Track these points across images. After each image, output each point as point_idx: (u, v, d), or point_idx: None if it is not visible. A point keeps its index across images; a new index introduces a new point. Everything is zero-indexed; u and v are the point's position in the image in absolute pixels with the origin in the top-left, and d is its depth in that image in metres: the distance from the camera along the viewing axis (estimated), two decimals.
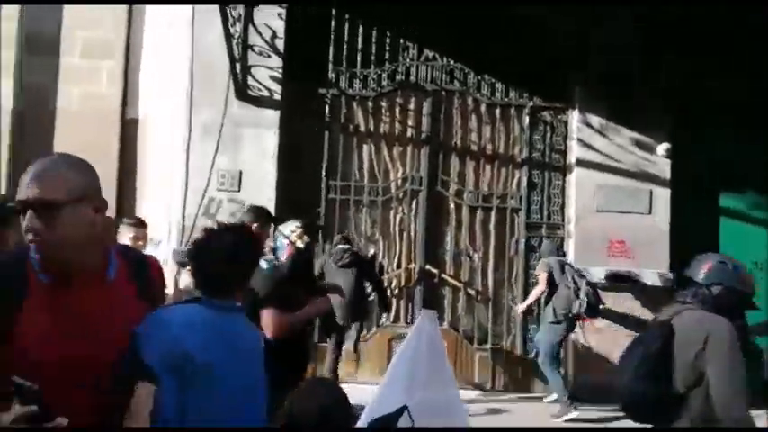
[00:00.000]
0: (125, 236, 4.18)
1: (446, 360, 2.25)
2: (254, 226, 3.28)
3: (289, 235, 3.22)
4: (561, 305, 5.36)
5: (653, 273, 6.04)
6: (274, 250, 3.25)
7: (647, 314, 6.02)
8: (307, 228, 3.44)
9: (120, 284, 1.61)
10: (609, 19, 5.99)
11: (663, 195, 6.20)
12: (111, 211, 6.02)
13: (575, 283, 5.33)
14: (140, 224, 4.31)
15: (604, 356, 5.94)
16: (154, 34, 6.24)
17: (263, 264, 2.82)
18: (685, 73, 6.15)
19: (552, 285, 5.45)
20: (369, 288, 5.42)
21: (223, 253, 1.88)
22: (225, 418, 1.73)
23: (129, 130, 6.13)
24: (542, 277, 5.58)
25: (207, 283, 1.89)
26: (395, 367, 2.10)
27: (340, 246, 5.39)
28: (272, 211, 5.89)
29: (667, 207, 6.19)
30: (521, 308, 5.88)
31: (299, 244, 3.17)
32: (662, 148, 6.19)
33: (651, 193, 6.20)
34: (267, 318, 2.83)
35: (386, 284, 5.91)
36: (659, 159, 6.21)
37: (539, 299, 5.73)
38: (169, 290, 5.94)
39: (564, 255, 5.79)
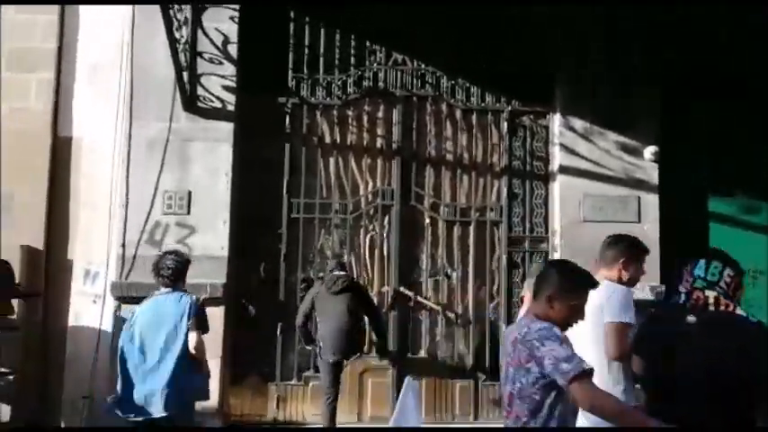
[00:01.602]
0: None
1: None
2: None
3: None
4: None
5: (644, 286, 5.58)
6: None
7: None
8: None
9: None
10: (590, 16, 5.57)
11: (652, 202, 5.78)
12: (40, 241, 5.37)
13: None
14: None
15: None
16: (89, 42, 5.58)
17: None
18: (672, 72, 5.78)
19: None
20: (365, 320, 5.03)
21: None
22: None
23: (61, 149, 5.44)
24: (526, 297, 4.96)
25: None
26: None
27: (335, 272, 4.93)
28: (227, 235, 5.34)
29: (656, 214, 5.77)
30: None
31: None
32: (649, 151, 5.78)
33: (639, 199, 5.77)
34: None
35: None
36: (647, 164, 5.79)
37: None
38: (105, 325, 5.32)
39: None
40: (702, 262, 2.51)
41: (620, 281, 3.19)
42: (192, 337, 3.62)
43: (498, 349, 5.63)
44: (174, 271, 3.69)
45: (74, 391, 5.31)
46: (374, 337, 5.25)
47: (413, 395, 1.89)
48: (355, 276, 5.47)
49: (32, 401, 5.25)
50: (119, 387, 3.65)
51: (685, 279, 2.50)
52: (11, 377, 5.15)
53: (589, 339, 2.93)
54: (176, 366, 3.54)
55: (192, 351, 3.61)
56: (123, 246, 5.23)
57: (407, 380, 2.32)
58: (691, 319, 2.43)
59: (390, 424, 1.95)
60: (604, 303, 3.00)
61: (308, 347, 5.15)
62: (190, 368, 3.60)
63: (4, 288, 4.53)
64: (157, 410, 3.47)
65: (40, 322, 5.34)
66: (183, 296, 3.67)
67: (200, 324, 3.69)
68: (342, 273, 4.94)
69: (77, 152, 5.46)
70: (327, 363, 4.83)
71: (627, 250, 3.27)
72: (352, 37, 5.71)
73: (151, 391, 3.50)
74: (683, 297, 2.50)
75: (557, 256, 5.68)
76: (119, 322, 5.12)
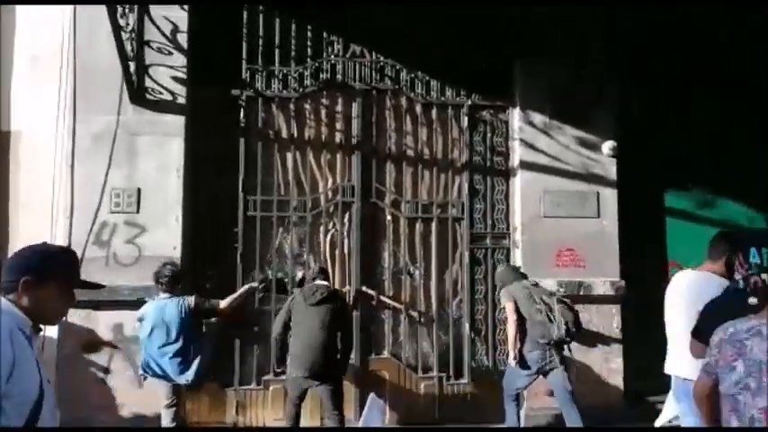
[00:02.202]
0: None
1: None
2: None
3: None
4: (538, 333, 4.60)
5: (604, 281, 5.63)
6: None
7: (600, 327, 5.64)
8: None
9: None
10: (550, 7, 5.54)
11: (610, 197, 5.81)
12: None
13: (547, 305, 4.63)
14: None
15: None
16: (28, 30, 5.24)
17: None
18: (629, 66, 5.82)
19: (519, 315, 4.66)
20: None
21: None
22: None
23: None
24: (509, 309, 4.68)
25: None
26: None
27: (317, 281, 4.57)
28: (179, 234, 5.10)
29: (615, 209, 5.80)
30: (510, 359, 4.72)
31: None
32: (607, 146, 5.80)
33: (598, 195, 5.79)
34: None
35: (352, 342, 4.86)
36: (605, 159, 5.82)
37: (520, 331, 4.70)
38: (50, 331, 5.00)
39: (524, 276, 5.00)
40: (753, 250, 2.80)
41: (722, 274, 3.41)
42: (221, 303, 4.62)
43: (462, 348, 5.59)
44: (171, 278, 4.42)
45: None
46: None
47: (378, 413, 1.75)
48: (302, 275, 5.26)
49: None
50: (144, 367, 4.44)
51: (739, 266, 2.94)
52: None
53: (684, 320, 3.32)
54: (182, 352, 4.36)
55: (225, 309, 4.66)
56: (69, 247, 4.93)
57: (372, 398, 2.15)
58: (752, 300, 2.59)
59: None
60: (704, 291, 3.20)
61: (278, 368, 4.74)
62: (192, 352, 4.42)
63: None
64: (171, 382, 4.40)
65: None
66: (180, 299, 4.42)
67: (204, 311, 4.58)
68: (323, 282, 4.56)
69: (16, 147, 5.13)
70: (294, 379, 4.43)
71: (729, 246, 3.47)
72: (309, 27, 5.52)
73: (170, 369, 4.37)
74: (741, 283, 2.80)
75: (518, 252, 5.66)
76: (65, 328, 4.85)
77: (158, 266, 4.51)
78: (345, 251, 5.53)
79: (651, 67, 6.02)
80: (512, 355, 4.65)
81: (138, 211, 5.02)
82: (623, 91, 5.88)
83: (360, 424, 1.53)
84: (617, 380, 5.58)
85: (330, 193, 5.57)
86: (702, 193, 6.37)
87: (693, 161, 6.26)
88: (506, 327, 4.80)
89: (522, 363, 4.64)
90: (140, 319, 4.43)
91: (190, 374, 4.36)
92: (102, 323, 4.90)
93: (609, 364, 5.58)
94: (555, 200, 5.70)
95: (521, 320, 4.65)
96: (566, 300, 4.77)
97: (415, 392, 5.46)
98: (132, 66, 4.96)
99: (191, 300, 4.44)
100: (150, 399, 4.89)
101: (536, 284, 4.86)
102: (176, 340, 4.33)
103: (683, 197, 6.36)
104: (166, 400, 4.43)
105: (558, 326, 4.54)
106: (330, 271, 5.45)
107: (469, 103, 5.78)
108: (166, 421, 4.42)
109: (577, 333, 4.72)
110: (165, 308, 4.36)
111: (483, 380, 5.53)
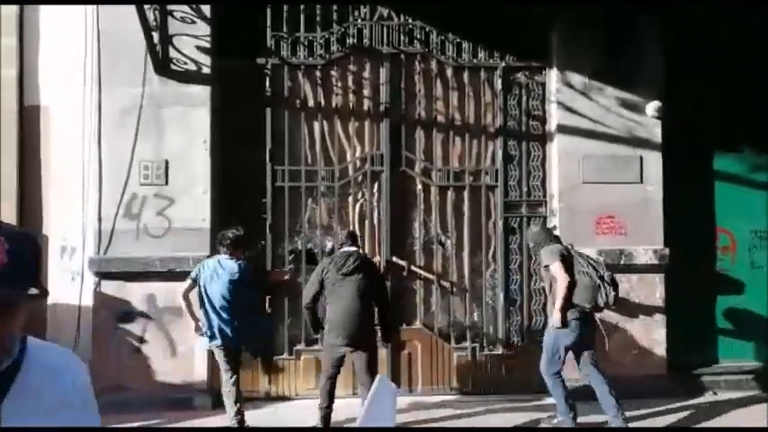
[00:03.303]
0: None
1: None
2: None
3: None
4: (584, 298, 4.36)
5: (647, 249, 5.37)
6: None
7: (642, 297, 5.40)
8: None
9: None
10: None
11: (654, 161, 5.49)
12: (12, 217, 5.11)
13: (595, 269, 4.39)
14: None
15: (599, 347, 5.28)
16: (51, 7, 5.22)
17: None
18: (674, 24, 5.43)
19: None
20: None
21: None
22: None
23: (29, 119, 5.15)
24: (558, 267, 4.38)
25: None
26: None
27: (345, 247, 4.47)
28: (208, 206, 5.09)
29: (660, 174, 5.49)
30: (556, 318, 4.40)
31: None
32: (651, 107, 5.46)
33: (642, 159, 5.48)
34: None
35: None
36: (649, 120, 5.49)
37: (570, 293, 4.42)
38: (85, 301, 5.11)
39: (559, 239, 4.75)
40: None
41: None
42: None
43: (496, 318, 5.45)
44: (232, 242, 4.39)
45: None
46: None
47: (389, 401, 1.60)
48: (331, 246, 5.20)
49: None
50: (205, 322, 4.41)
51: None
52: None
53: None
54: (234, 315, 4.34)
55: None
56: (100, 220, 4.99)
57: (381, 379, 1.93)
58: None
59: (358, 423, 1.68)
60: None
61: (315, 335, 4.77)
62: (239, 315, 4.37)
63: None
64: (226, 339, 4.35)
65: None
66: (240, 262, 4.40)
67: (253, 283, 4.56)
68: (353, 249, 4.44)
69: (46, 122, 5.17)
70: (331, 346, 4.37)
71: None
72: None
73: (219, 326, 4.35)
74: None
75: (555, 220, 5.44)
76: (99, 299, 4.94)
77: (221, 233, 4.51)
78: (375, 221, 5.42)
79: (699, 26, 5.60)
80: (557, 317, 4.38)
81: (166, 183, 5.02)
82: (668, 47, 5.50)
83: (362, 411, 1.39)
84: (660, 351, 5.36)
85: (358, 162, 5.44)
86: (755, 156, 5.97)
87: (745, 121, 5.85)
88: (554, 288, 4.47)
89: (565, 326, 4.42)
90: (194, 279, 4.36)
91: (232, 334, 4.30)
92: (136, 294, 4.95)
93: (651, 335, 5.36)
94: (595, 165, 5.42)
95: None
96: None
97: (448, 362, 5.37)
98: (156, 36, 4.90)
99: (243, 263, 4.39)
100: (183, 368, 4.98)
101: (572, 247, 4.65)
102: (229, 302, 4.29)
103: (733, 160, 5.97)
104: (223, 364, 4.40)
105: (608, 292, 4.33)
106: (360, 241, 5.38)
107: (503, 64, 5.52)
108: (226, 388, 4.39)
109: (615, 303, 4.51)
110: (219, 268, 4.32)
111: (518, 350, 5.40)
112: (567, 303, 4.38)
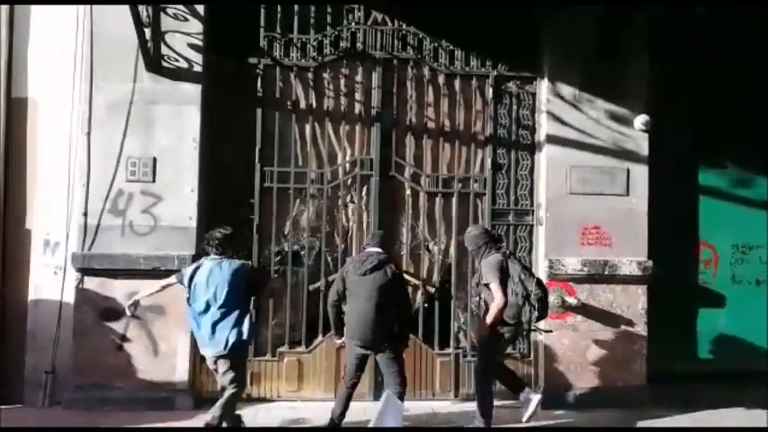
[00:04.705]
0: None
1: None
2: None
3: None
4: (509, 314, 4.45)
5: (631, 261, 5.42)
6: None
7: (624, 308, 5.45)
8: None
9: None
10: None
11: (641, 174, 5.55)
12: None
13: (524, 286, 4.45)
14: None
15: (580, 357, 5.34)
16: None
17: None
18: (668, 40, 5.51)
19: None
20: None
21: None
22: None
23: (16, 112, 5.08)
24: (496, 288, 4.39)
25: None
26: None
27: (369, 248, 4.42)
28: (195, 204, 5.06)
29: (645, 187, 5.55)
30: (484, 335, 4.55)
31: None
32: (639, 120, 5.53)
33: (628, 171, 5.54)
34: None
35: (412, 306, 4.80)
36: (637, 134, 5.55)
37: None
38: (67, 297, 5.04)
39: (499, 240, 4.80)
40: None
41: None
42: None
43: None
44: (221, 241, 4.26)
45: (36, 366, 5.09)
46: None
47: (394, 415, 1.61)
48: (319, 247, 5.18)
49: None
50: (194, 328, 4.29)
51: None
52: None
53: None
54: (227, 316, 4.17)
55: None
56: (85, 215, 4.94)
57: (387, 396, 1.95)
58: None
59: None
60: None
61: (336, 336, 4.59)
62: (238, 318, 4.19)
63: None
64: (218, 349, 4.17)
65: None
66: (230, 262, 4.25)
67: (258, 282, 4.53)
68: (375, 249, 4.38)
69: (33, 114, 5.12)
70: (348, 346, 4.38)
71: None
72: None
73: (208, 335, 4.18)
74: None
75: (541, 229, 5.47)
76: (81, 295, 4.89)
77: (209, 232, 4.36)
78: (363, 225, 5.42)
79: (685, 37, 5.68)
80: (486, 333, 4.53)
81: (153, 181, 4.98)
82: (656, 62, 5.57)
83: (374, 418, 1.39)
84: (640, 362, 5.41)
85: (348, 166, 5.44)
86: (738, 171, 6.07)
87: (730, 137, 5.95)
88: (492, 307, 4.48)
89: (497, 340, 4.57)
90: (182, 281, 4.22)
91: (232, 339, 4.10)
92: (118, 291, 4.90)
93: (632, 346, 5.41)
94: (582, 176, 5.47)
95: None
96: (538, 279, 4.68)
97: (431, 368, 5.38)
98: (148, 32, 4.86)
99: (240, 264, 4.26)
100: (165, 367, 4.94)
101: (514, 256, 4.74)
102: (223, 304, 4.12)
103: (717, 175, 6.07)
104: (217, 367, 4.22)
105: (531, 311, 4.45)
106: (347, 245, 5.39)
107: (495, 73, 5.55)
108: (227, 391, 4.19)
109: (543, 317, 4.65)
110: (212, 270, 4.17)
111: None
112: (497, 321, 4.45)
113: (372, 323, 4.22)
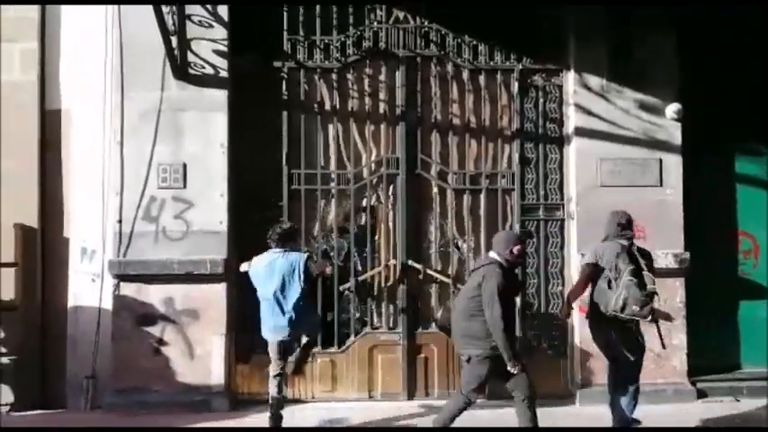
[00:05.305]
0: None
1: None
2: None
3: None
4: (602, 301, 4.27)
5: (666, 253, 5.28)
6: None
7: (662, 301, 5.29)
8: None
9: None
10: None
11: (674, 164, 5.42)
12: (33, 219, 5.19)
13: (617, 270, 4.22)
14: None
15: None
16: (73, 9, 5.31)
17: None
18: (695, 24, 5.35)
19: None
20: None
21: None
22: None
23: (50, 123, 5.23)
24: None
25: None
26: None
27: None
28: (225, 209, 5.12)
29: (679, 177, 5.42)
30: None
31: None
32: (671, 109, 5.39)
33: (661, 162, 5.41)
34: None
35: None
36: (668, 123, 5.41)
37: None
38: (105, 303, 5.18)
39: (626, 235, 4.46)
40: None
41: None
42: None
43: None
44: (281, 235, 4.52)
45: (77, 371, 5.22)
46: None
47: None
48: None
49: (34, 383, 5.17)
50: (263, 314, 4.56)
51: None
52: (10, 358, 5.07)
53: None
54: (292, 306, 4.44)
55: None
56: (120, 222, 5.05)
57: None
58: None
59: None
60: None
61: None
62: (300, 308, 4.47)
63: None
64: (282, 335, 4.49)
65: (39, 302, 5.22)
66: (291, 254, 4.52)
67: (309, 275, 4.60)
68: (488, 254, 4.18)
69: (67, 125, 5.25)
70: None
71: None
72: None
73: (276, 323, 4.48)
74: None
75: (572, 224, 5.39)
76: (118, 301, 5.00)
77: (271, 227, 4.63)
78: (390, 225, 5.42)
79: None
80: None
81: (184, 187, 5.07)
82: (686, 48, 5.43)
83: None
84: (680, 356, 5.28)
85: (374, 165, 5.44)
86: None
87: (767, 122, 5.76)
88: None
89: None
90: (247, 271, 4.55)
91: (296, 329, 4.44)
92: (154, 296, 5.00)
93: (672, 340, 5.26)
94: (613, 168, 5.37)
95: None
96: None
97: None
98: (174, 40, 4.94)
99: (302, 257, 4.50)
100: (201, 370, 5.02)
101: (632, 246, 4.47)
102: (284, 295, 4.39)
103: (754, 162, 5.87)
104: (275, 362, 4.51)
105: (617, 299, 4.22)
106: (375, 244, 5.38)
107: (520, 67, 5.49)
108: (273, 392, 4.49)
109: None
110: (274, 261, 4.44)
111: (532, 355, 5.35)
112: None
113: (456, 327, 4.09)
